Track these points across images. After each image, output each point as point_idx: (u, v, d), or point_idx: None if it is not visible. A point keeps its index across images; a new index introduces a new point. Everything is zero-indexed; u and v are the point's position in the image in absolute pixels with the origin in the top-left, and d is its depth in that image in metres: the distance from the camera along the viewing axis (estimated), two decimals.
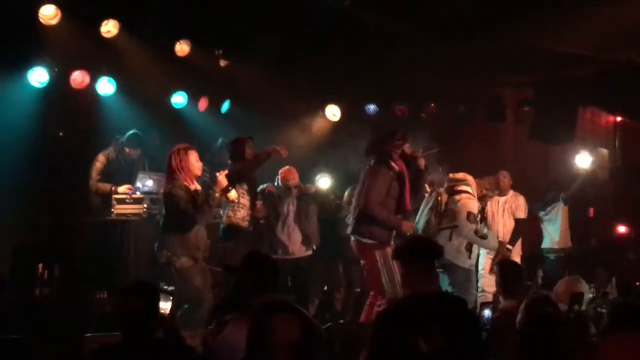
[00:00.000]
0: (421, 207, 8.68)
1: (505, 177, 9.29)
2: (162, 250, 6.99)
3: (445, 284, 7.65)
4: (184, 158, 6.93)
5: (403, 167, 6.93)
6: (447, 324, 3.06)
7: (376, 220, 6.74)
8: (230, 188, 7.14)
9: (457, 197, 8.04)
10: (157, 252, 7.05)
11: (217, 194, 6.99)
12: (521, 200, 9.34)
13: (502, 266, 5.77)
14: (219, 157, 8.90)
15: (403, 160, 7.01)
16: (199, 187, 7.09)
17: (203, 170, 7.41)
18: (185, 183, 6.93)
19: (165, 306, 4.67)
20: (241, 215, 8.01)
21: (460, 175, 8.21)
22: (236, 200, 7.83)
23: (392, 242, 6.84)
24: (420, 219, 8.24)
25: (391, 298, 6.29)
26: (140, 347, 3.74)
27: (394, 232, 6.88)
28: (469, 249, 7.96)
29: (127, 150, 8.85)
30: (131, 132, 8.84)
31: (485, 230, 8.57)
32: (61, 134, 9.07)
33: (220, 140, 9.27)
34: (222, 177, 7.04)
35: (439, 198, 8.16)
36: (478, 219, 8.05)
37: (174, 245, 6.93)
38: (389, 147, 6.94)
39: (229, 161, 8.17)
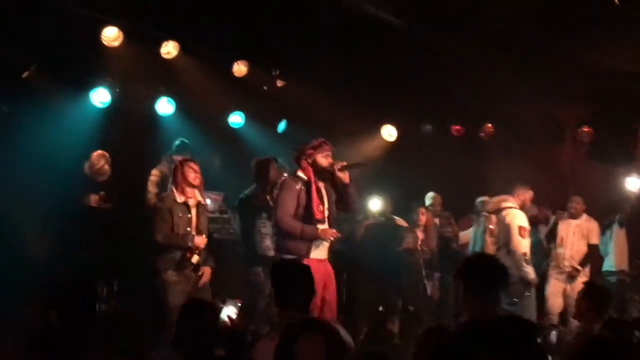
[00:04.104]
0: (472, 233, 8.66)
1: (577, 203, 9.22)
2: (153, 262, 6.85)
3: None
4: (178, 170, 6.88)
5: (310, 174, 6.60)
6: (516, 350, 3.01)
7: (290, 234, 6.51)
8: (197, 253, 6.78)
9: (504, 212, 7.96)
10: None
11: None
12: (594, 225, 9.27)
13: (596, 290, 5.33)
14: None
15: (320, 171, 6.67)
16: (194, 200, 6.87)
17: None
18: (176, 194, 6.80)
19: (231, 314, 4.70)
20: (266, 244, 7.58)
21: (497, 197, 8.21)
22: (261, 231, 7.61)
23: (311, 255, 6.51)
24: (476, 244, 8.18)
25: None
26: None
27: (314, 243, 6.54)
28: (527, 261, 7.83)
29: (175, 157, 8.89)
30: (178, 140, 8.88)
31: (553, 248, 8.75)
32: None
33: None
34: (199, 240, 6.79)
35: (488, 220, 8.12)
36: (529, 232, 7.94)
37: (156, 256, 6.80)
38: (300, 154, 6.70)
39: (254, 183, 7.91)
